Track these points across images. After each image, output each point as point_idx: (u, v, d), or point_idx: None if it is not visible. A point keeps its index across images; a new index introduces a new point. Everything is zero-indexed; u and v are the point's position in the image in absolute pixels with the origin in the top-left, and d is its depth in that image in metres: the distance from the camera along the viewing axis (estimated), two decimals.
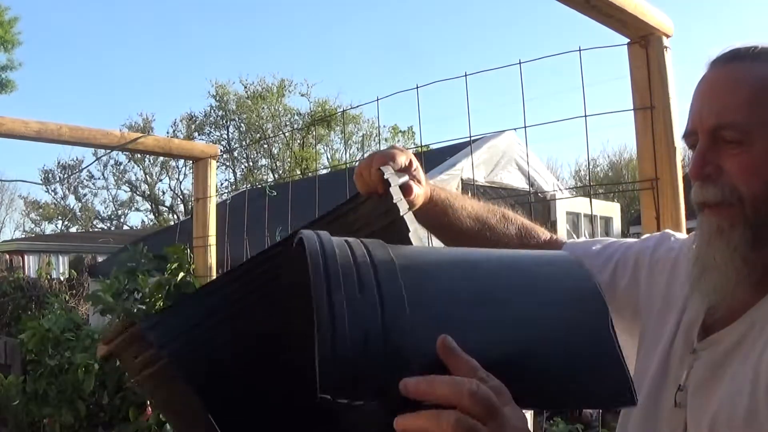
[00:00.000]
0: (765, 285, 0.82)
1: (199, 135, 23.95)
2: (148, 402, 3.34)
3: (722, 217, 0.81)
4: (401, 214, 0.81)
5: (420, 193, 0.95)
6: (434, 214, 1.02)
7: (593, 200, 6.35)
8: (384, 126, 21.90)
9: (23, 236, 26.43)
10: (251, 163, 24.89)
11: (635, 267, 1.01)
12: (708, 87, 0.85)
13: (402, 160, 0.92)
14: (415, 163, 0.95)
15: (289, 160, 22.70)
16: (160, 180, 26.77)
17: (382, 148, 0.94)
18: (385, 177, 0.85)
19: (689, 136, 0.85)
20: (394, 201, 0.82)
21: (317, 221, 0.87)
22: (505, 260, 0.68)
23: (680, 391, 0.86)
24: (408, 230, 0.79)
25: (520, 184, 6.58)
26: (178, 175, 25.91)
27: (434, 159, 6.06)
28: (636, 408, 0.92)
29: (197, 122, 24.65)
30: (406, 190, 0.88)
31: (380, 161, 0.89)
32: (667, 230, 1.08)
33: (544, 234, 1.14)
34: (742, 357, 0.80)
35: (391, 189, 0.84)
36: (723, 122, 0.80)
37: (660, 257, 1.00)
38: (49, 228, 28.96)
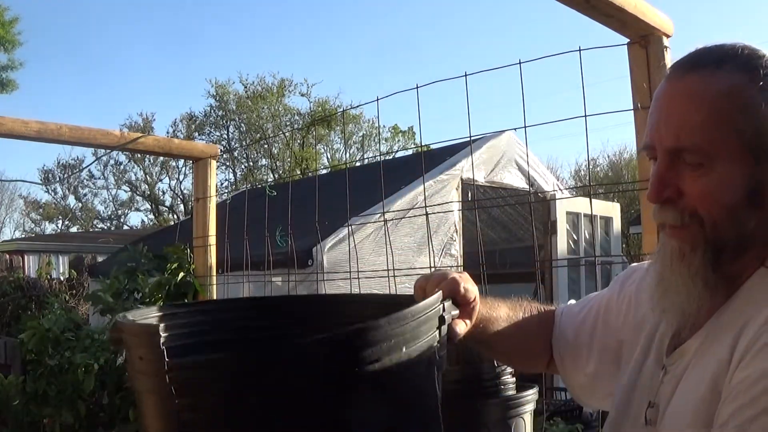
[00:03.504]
0: (726, 294, 0.81)
1: (199, 135, 23.91)
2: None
3: (683, 239, 0.81)
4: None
5: (462, 333, 0.92)
6: (476, 336, 1.01)
7: (593, 200, 6.35)
8: (384, 126, 21.90)
9: (23, 236, 26.39)
10: (251, 163, 24.87)
11: (606, 313, 1.04)
12: (667, 101, 0.82)
13: (469, 296, 0.92)
14: (472, 295, 0.94)
15: (289, 160, 22.68)
16: (160, 180, 26.73)
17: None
18: (442, 314, 0.86)
19: (648, 149, 0.83)
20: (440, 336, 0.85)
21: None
22: None
23: (651, 408, 0.85)
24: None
25: (520, 184, 6.57)
26: (178, 175, 25.89)
27: (434, 159, 6.05)
28: (607, 428, 0.94)
29: (197, 122, 24.62)
30: (451, 332, 0.88)
31: (448, 289, 0.89)
32: (633, 264, 1.10)
33: (548, 307, 1.16)
34: (697, 371, 0.79)
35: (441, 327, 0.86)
36: (683, 145, 0.78)
37: (625, 293, 1.03)
38: (49, 228, 28.98)
